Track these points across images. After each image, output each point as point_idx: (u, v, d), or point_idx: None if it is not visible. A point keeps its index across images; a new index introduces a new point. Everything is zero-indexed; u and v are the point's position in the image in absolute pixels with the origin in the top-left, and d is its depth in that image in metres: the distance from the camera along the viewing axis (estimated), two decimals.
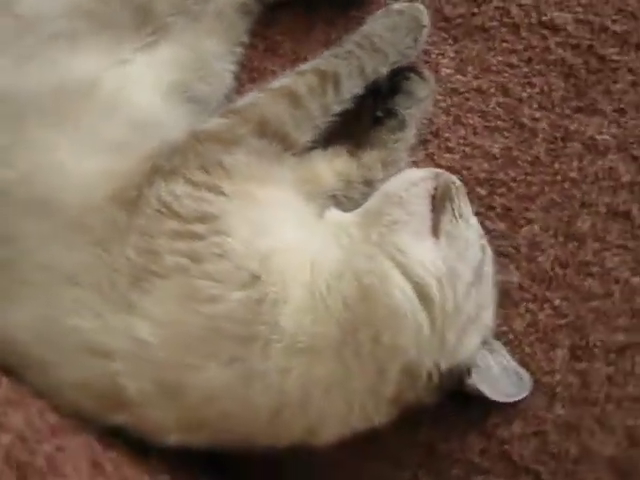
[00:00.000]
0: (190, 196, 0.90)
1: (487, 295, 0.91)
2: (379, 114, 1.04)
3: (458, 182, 0.94)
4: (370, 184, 1.01)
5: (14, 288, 0.90)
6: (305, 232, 0.94)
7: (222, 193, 0.91)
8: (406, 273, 0.85)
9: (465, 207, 0.91)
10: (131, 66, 1.06)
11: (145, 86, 1.06)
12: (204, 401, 0.85)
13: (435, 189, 0.91)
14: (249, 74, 1.14)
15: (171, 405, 0.86)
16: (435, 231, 0.89)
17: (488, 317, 0.92)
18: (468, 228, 0.90)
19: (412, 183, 0.92)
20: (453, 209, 0.90)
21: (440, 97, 1.09)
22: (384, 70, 1.04)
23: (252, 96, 1.01)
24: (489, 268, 0.91)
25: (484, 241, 0.92)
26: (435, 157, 1.07)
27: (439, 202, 0.90)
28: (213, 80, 1.12)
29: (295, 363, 0.84)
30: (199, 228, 0.88)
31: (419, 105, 1.05)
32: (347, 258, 0.89)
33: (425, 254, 0.86)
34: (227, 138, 0.95)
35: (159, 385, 0.85)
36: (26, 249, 0.90)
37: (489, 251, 0.91)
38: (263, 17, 1.16)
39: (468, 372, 0.90)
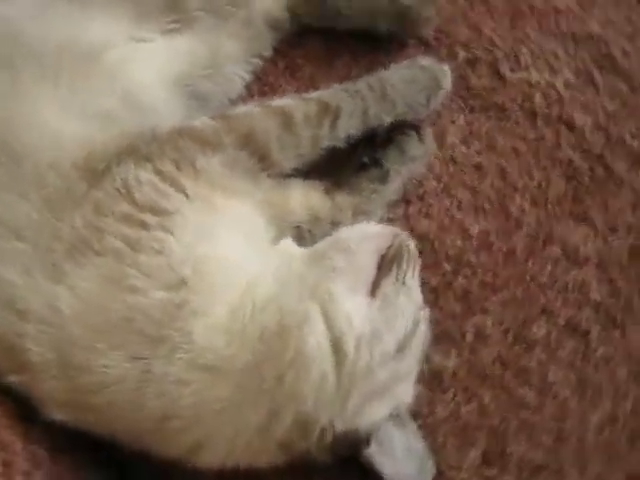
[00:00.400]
0: (153, 186, 0.90)
1: (407, 369, 0.87)
2: (365, 161, 1.02)
3: (413, 248, 0.90)
4: (337, 226, 0.99)
5: None
6: (250, 253, 0.92)
7: (184, 192, 0.90)
8: (329, 322, 0.82)
9: (411, 276, 0.88)
10: (145, 45, 1.07)
11: (152, 68, 1.06)
12: (97, 387, 0.83)
13: (388, 249, 0.89)
14: (261, 87, 1.14)
15: (65, 381, 0.85)
16: (373, 290, 0.86)
17: (404, 391, 0.88)
18: (407, 297, 0.86)
19: (366, 236, 0.89)
20: (398, 274, 0.87)
21: (436, 162, 1.07)
22: (387, 119, 1.02)
23: (248, 107, 1.00)
24: (418, 343, 0.87)
25: (423, 315, 0.88)
26: (412, 220, 1.04)
27: (387, 263, 0.87)
28: (221, 82, 1.12)
29: (196, 377, 0.82)
30: (149, 219, 0.87)
31: (408, 164, 1.03)
32: (279, 291, 0.86)
33: (354, 309, 0.83)
34: (208, 141, 0.94)
35: (60, 358, 0.84)
36: None
37: (423, 327, 0.87)
38: (290, 37, 1.16)
39: (367, 442, 0.86)
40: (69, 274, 0.86)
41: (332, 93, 1.02)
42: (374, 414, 0.85)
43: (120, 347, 0.83)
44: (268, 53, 1.16)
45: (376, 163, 1.02)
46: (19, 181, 0.91)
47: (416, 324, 0.86)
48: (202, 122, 0.97)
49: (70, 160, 0.92)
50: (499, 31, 1.14)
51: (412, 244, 0.91)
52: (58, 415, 0.86)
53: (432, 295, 1.00)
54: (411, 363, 0.87)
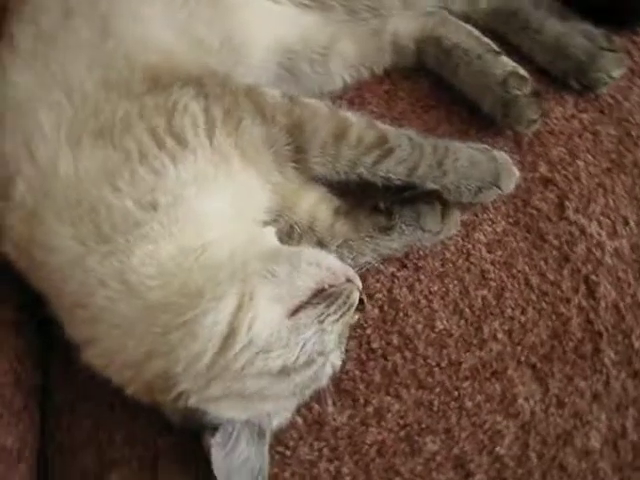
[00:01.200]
0: (193, 119, 0.96)
1: (280, 394, 0.89)
2: (380, 205, 1.03)
3: (354, 300, 0.92)
4: (321, 246, 1.02)
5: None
6: (228, 221, 0.97)
7: (211, 139, 0.96)
8: (237, 312, 0.86)
9: (334, 321, 0.90)
10: (274, 5, 1.13)
11: (268, 28, 1.12)
12: (43, 246, 0.93)
13: (330, 286, 0.90)
14: (352, 96, 1.16)
15: (26, 227, 0.94)
16: (293, 313, 0.88)
17: (267, 409, 0.91)
18: (317, 337, 0.88)
19: (319, 265, 0.91)
20: (322, 313, 0.89)
21: (452, 246, 1.06)
22: (430, 185, 1.02)
23: (320, 104, 1.03)
24: (304, 380, 0.89)
25: (322, 361, 0.90)
26: (396, 282, 1.04)
27: (319, 298, 0.90)
28: (321, 72, 1.16)
29: (114, 286, 0.90)
30: (169, 142, 0.94)
31: (418, 232, 1.03)
32: (222, 263, 0.91)
33: (265, 316, 0.87)
34: (265, 111, 0.99)
35: (33, 206, 0.94)
36: (62, 45, 1.02)
37: (315, 370, 0.89)
38: (406, 67, 1.18)
39: (213, 431, 0.90)
40: (84, 148, 0.94)
41: (397, 134, 1.03)
42: (227, 411, 0.89)
43: (74, 225, 0.91)
44: (378, 71, 1.19)
45: (388, 214, 1.03)
46: (94, 51, 1.00)
47: (309, 364, 0.88)
48: (272, 94, 1.02)
49: (145, 60, 1.00)
50: (591, 169, 1.09)
51: (356, 297, 0.92)
52: (6, 248, 0.97)
53: (366, 354, 1.01)
54: (286, 391, 0.89)
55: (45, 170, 0.94)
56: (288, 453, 0.98)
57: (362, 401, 0.99)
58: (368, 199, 1.05)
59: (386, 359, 1.01)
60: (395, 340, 1.02)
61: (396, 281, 1.05)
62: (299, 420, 0.98)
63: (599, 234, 1.06)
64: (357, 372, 1.00)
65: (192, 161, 0.94)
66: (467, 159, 1.03)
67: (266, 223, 1.02)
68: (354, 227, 1.03)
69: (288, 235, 1.03)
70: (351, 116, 1.04)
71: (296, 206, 1.05)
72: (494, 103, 1.10)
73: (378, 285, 1.04)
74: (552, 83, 1.15)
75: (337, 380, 0.96)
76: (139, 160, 0.93)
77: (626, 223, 1.06)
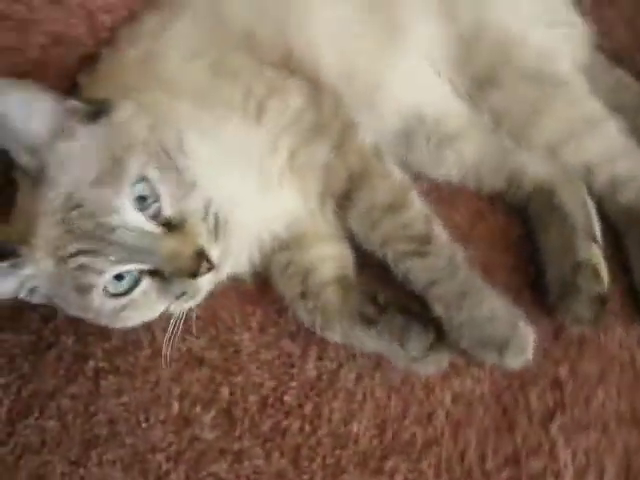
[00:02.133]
0: (284, 109, 1.01)
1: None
2: (378, 298, 1.00)
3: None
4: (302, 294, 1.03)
5: None
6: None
7: (281, 133, 1.01)
8: None
9: None
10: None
11: (418, 88, 1.14)
12: None
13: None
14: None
15: None
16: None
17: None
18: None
19: None
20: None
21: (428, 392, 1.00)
22: (437, 310, 0.96)
23: (397, 173, 1.03)
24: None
25: None
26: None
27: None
28: (432, 156, 1.15)
29: None
30: (251, 110, 1.00)
31: (395, 346, 0.97)
32: None
33: None
34: (344, 145, 1.01)
35: None
36: None
37: None
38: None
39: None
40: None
41: (443, 244, 1.00)
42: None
43: None
44: (481, 188, 1.17)
45: (379, 309, 0.99)
46: None
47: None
48: (363, 136, 1.03)
49: (295, 47, 1.08)
50: (607, 404, 0.98)
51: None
52: None
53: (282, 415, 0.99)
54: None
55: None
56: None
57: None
58: (374, 281, 1.02)
59: (302, 440, 0.97)
60: (322, 429, 0.97)
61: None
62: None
63: (565, 466, 0.94)
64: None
65: (250, 134, 0.98)
66: (489, 310, 0.96)
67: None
68: (341, 300, 1.01)
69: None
70: (416, 200, 1.02)
71: (307, 246, 1.06)
72: (557, 280, 1.02)
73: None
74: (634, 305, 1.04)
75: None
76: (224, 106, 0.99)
77: (601, 474, 0.93)
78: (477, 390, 0.99)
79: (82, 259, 0.84)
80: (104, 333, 1.00)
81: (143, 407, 0.98)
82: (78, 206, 0.83)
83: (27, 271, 0.87)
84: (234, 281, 1.05)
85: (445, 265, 0.98)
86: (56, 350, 1.02)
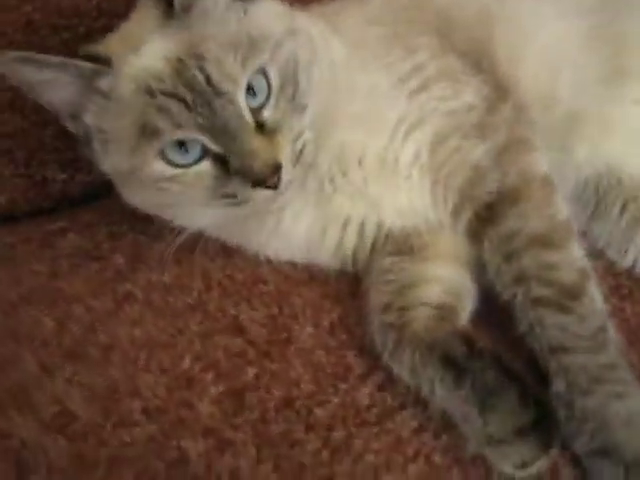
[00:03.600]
0: (453, 98, 0.88)
1: None
2: (476, 343, 0.75)
3: None
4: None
5: None
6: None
7: (441, 119, 0.86)
8: None
9: None
10: None
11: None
12: None
13: None
14: None
15: None
16: None
17: None
18: None
19: None
20: None
21: None
22: (556, 387, 0.72)
23: (560, 202, 0.83)
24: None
25: None
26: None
27: None
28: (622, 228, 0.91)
29: None
30: (413, 83, 0.87)
31: (474, 418, 0.70)
32: None
33: None
34: (514, 161, 0.84)
35: None
36: None
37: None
38: None
39: None
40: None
41: (597, 312, 0.76)
42: None
43: None
44: None
45: (470, 354, 0.75)
46: None
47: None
48: (542, 160, 0.85)
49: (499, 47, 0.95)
50: None
51: None
52: None
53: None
54: None
55: None
56: None
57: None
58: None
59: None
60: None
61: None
62: None
63: None
64: None
65: (399, 101, 0.85)
66: (630, 411, 0.69)
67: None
68: (428, 327, 0.79)
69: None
70: (577, 247, 0.80)
71: (421, 258, 0.86)
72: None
73: None
74: None
75: None
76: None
77: None
78: None
79: (172, 103, 0.74)
80: (159, 266, 0.85)
81: (150, 348, 0.78)
82: (200, 58, 0.75)
83: (104, 83, 0.77)
84: (318, 272, 0.87)
85: (590, 334, 0.73)
86: (101, 264, 0.88)
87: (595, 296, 0.76)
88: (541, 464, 0.69)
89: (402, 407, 0.74)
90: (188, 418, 0.72)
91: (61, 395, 0.74)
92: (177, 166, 0.76)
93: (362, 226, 0.87)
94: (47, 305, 0.84)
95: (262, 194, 0.77)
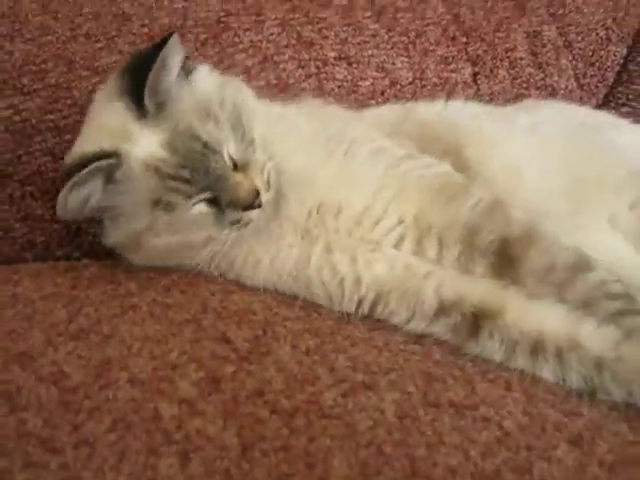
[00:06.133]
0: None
1: None
2: None
3: None
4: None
5: None
6: None
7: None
8: None
9: None
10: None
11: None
12: None
13: None
14: None
15: None
16: None
17: None
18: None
19: None
20: None
21: None
22: None
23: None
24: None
25: None
26: None
27: None
28: None
29: None
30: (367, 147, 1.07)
31: None
32: None
33: None
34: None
35: None
36: None
37: None
38: None
39: None
40: None
41: None
42: None
43: None
44: None
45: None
46: None
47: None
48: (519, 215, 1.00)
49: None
50: None
51: None
52: None
53: None
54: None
55: None
56: None
57: None
58: None
59: None
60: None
61: None
62: None
63: None
64: None
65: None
66: None
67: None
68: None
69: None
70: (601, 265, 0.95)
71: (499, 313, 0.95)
72: None
73: None
74: None
75: None
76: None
77: None
78: None
79: (179, 183, 0.96)
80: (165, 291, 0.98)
81: (144, 341, 0.87)
82: (190, 131, 0.97)
83: (119, 174, 0.96)
84: (307, 310, 0.98)
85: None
86: (115, 285, 1.01)
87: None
88: None
89: (362, 410, 0.81)
90: (167, 390, 0.79)
91: (60, 362, 0.83)
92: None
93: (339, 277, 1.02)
94: (63, 304, 0.95)
95: (254, 213, 0.99)
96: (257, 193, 0.99)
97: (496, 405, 0.84)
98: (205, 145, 0.96)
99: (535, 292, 0.93)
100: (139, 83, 0.96)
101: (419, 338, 0.98)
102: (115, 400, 0.77)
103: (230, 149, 0.99)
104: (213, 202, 0.99)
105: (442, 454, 0.75)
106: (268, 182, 1.01)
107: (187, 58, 1.04)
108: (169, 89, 0.99)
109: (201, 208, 0.98)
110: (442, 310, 0.96)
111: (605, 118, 1.34)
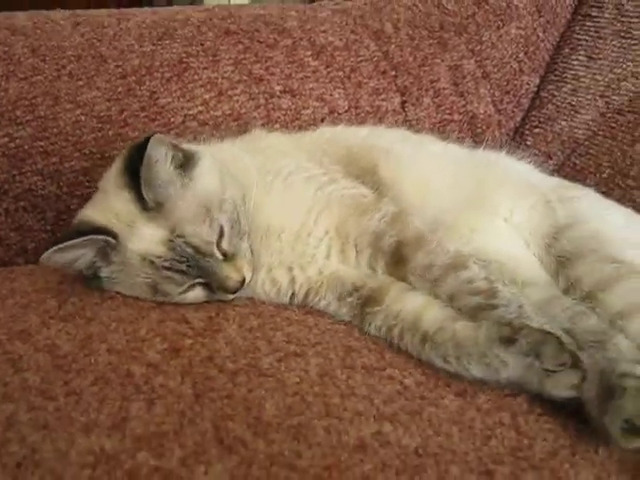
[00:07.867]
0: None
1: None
2: (514, 323, 1.01)
3: None
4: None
5: None
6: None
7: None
8: None
9: None
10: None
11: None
12: None
13: None
14: None
15: None
16: None
17: None
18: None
19: None
20: None
21: None
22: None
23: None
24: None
25: None
26: None
27: None
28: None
29: None
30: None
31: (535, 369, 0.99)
32: None
33: None
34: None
35: None
36: None
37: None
38: None
39: None
40: None
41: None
42: None
43: None
44: None
45: (514, 330, 1.00)
46: None
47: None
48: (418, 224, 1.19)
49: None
50: None
51: None
52: None
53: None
54: None
55: None
56: None
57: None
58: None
59: None
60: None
61: None
62: None
63: None
64: None
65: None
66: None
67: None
68: (473, 327, 1.04)
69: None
70: (475, 266, 1.10)
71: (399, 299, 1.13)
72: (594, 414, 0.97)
73: None
74: None
75: None
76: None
77: None
78: None
79: (174, 274, 1.12)
80: None
81: (119, 322, 1.09)
82: (185, 236, 1.11)
83: (114, 255, 1.12)
84: None
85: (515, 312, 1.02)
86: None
87: (504, 290, 1.05)
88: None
89: (292, 370, 1.02)
90: (138, 356, 1.01)
91: (53, 337, 1.05)
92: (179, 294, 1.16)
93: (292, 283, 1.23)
94: (53, 295, 1.16)
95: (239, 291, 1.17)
96: (244, 281, 1.16)
97: (400, 367, 1.07)
98: (198, 251, 1.11)
99: (415, 287, 1.12)
100: (137, 181, 1.09)
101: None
102: (96, 364, 1.00)
103: (223, 244, 1.14)
104: (206, 284, 1.16)
105: (352, 402, 0.97)
106: (252, 263, 1.18)
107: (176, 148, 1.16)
108: (167, 186, 1.11)
109: (196, 293, 1.16)
110: (349, 292, 1.18)
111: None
